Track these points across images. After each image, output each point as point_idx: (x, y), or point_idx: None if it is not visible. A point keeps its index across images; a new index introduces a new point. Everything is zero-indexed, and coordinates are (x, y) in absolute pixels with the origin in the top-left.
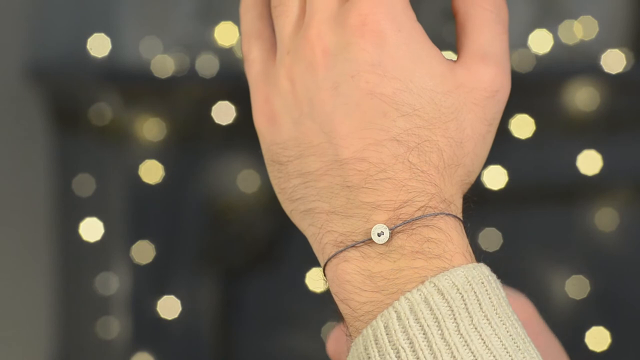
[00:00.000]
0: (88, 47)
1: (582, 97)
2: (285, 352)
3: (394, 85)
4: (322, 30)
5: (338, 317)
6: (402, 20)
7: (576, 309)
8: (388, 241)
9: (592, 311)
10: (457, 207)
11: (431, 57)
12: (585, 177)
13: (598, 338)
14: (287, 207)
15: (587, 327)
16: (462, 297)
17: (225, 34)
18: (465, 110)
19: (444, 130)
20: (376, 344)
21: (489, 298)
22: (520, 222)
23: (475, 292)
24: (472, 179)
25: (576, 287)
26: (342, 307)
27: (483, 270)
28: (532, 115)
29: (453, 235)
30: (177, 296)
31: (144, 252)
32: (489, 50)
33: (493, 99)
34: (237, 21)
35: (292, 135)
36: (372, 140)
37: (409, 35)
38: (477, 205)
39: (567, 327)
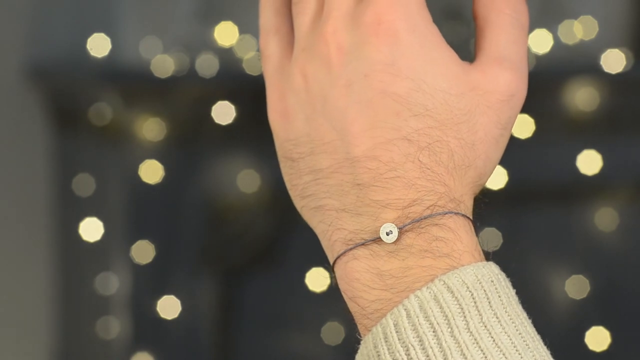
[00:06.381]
0: (88, 47)
1: (582, 97)
2: (285, 352)
3: (407, 85)
4: (338, 28)
5: (347, 314)
6: (416, 21)
7: (576, 309)
8: (397, 240)
9: (592, 311)
10: (466, 207)
11: (445, 59)
12: (585, 177)
13: (598, 338)
14: (298, 203)
15: (587, 327)
16: (472, 295)
17: (225, 34)
18: (478, 112)
19: (456, 132)
20: (386, 341)
21: (499, 296)
22: (520, 222)
23: (485, 291)
24: (484, 180)
25: (576, 287)
26: (351, 305)
27: (493, 268)
28: (532, 115)
29: (462, 235)
30: (177, 296)
31: (144, 252)
32: (506, 54)
33: (508, 103)
34: (237, 21)
35: (304, 132)
36: (384, 139)
37: (423, 35)
38: (477, 206)
39: (567, 327)
